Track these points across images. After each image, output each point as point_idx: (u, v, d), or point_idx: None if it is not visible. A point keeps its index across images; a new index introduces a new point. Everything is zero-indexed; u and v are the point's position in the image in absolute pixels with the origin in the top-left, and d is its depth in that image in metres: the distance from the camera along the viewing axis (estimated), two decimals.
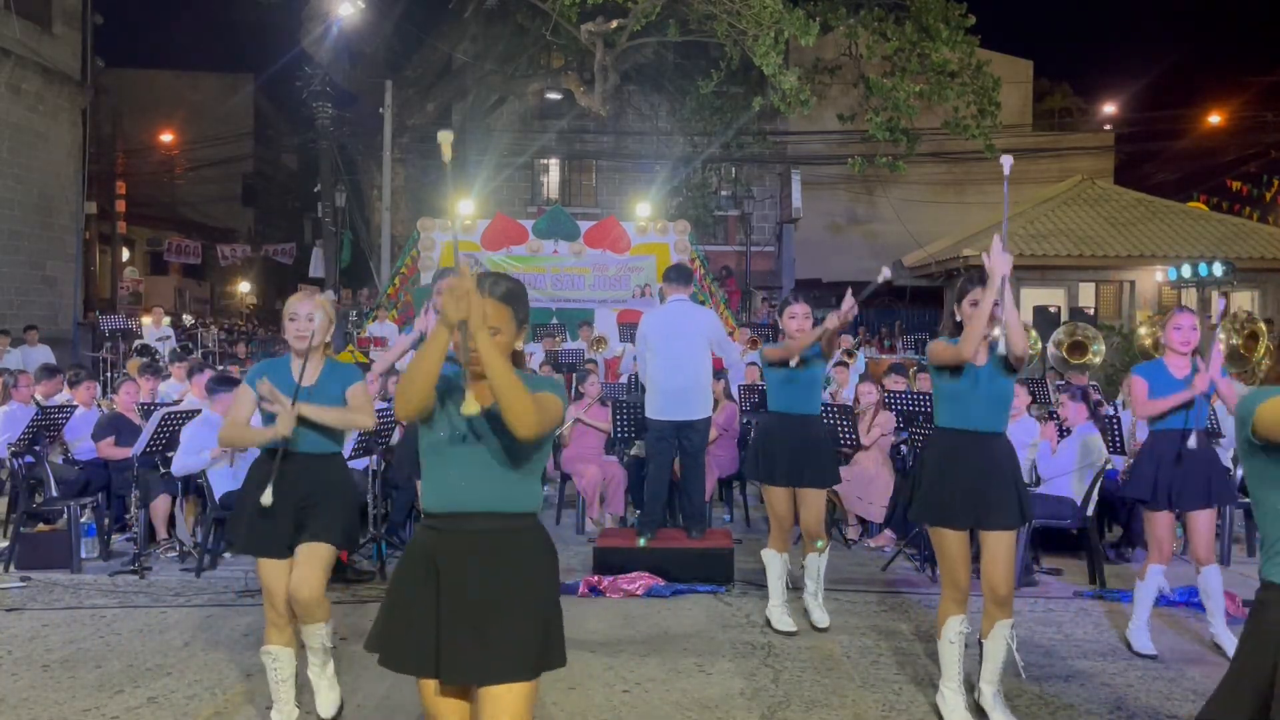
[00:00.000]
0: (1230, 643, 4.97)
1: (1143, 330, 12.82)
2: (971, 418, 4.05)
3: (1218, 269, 14.59)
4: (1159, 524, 5.03)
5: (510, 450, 2.56)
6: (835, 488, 7.50)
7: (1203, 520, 4.97)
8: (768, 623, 5.43)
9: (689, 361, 6.31)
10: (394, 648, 2.56)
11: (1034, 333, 12.73)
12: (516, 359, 2.66)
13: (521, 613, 2.51)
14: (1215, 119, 25.06)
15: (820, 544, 5.46)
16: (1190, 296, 17.58)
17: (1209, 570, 4.97)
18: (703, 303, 15.59)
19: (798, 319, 5.31)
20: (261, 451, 3.88)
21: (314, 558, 3.78)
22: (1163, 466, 4.93)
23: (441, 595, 2.51)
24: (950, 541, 4.07)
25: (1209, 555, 4.98)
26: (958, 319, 4.12)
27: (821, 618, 5.43)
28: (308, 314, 3.77)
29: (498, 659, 2.48)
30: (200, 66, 35.46)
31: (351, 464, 6.97)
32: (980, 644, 4.15)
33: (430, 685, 2.58)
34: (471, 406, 2.45)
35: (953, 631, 4.11)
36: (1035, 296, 18.85)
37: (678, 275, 6.53)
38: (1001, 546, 4.04)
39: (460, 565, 2.51)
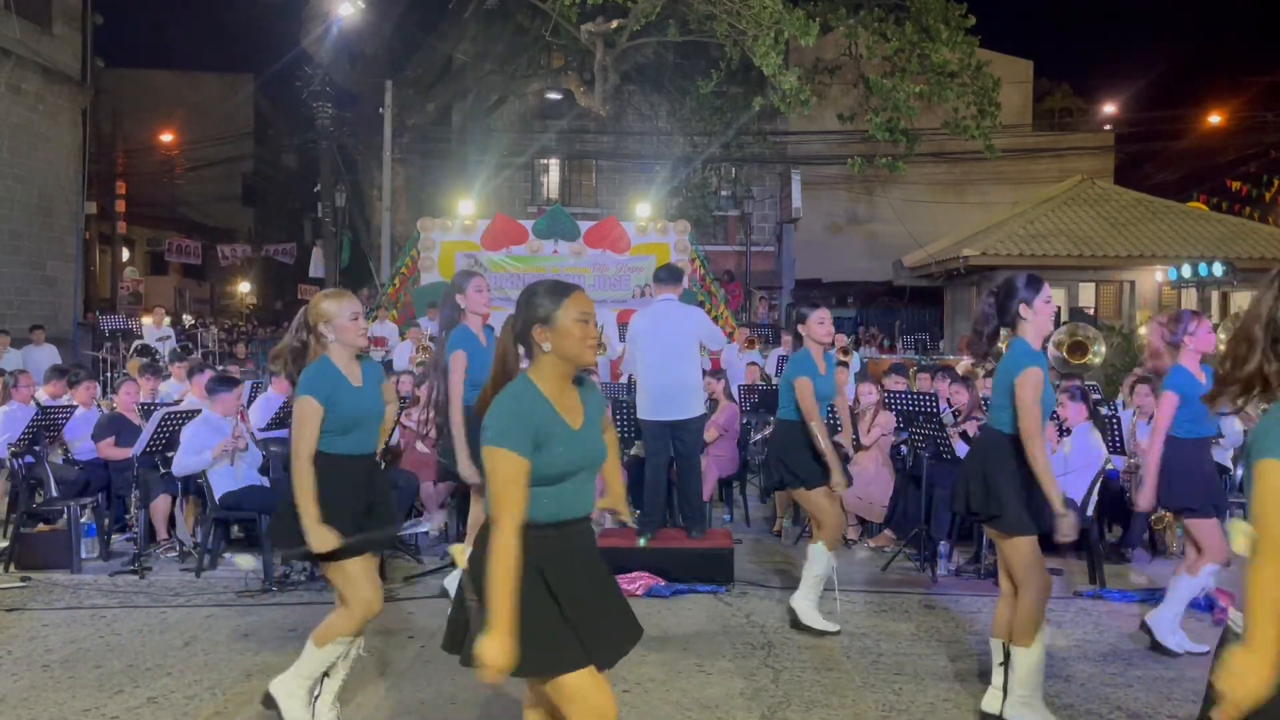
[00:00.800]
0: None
1: (1143, 330, 12.81)
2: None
3: (1218, 269, 14.60)
4: (1211, 528, 4.90)
5: (602, 456, 2.77)
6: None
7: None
8: (802, 625, 5.34)
9: (676, 361, 6.31)
10: (543, 656, 2.56)
11: None
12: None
13: (617, 591, 2.84)
14: (1215, 119, 25.05)
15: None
16: (1190, 297, 17.58)
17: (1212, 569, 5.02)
18: (702, 303, 15.59)
19: (826, 324, 5.34)
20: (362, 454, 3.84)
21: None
22: (1204, 474, 4.91)
23: (563, 595, 2.59)
24: (1036, 548, 4.00)
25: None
26: (1026, 318, 3.99)
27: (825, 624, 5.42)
28: (362, 311, 3.88)
29: (629, 632, 2.75)
30: (200, 66, 35.48)
31: None
32: (1010, 651, 4.06)
33: (583, 675, 2.57)
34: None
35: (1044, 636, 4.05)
36: None
37: (668, 275, 6.54)
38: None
39: (568, 565, 2.63)
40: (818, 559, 5.36)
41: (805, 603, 5.37)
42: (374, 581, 3.83)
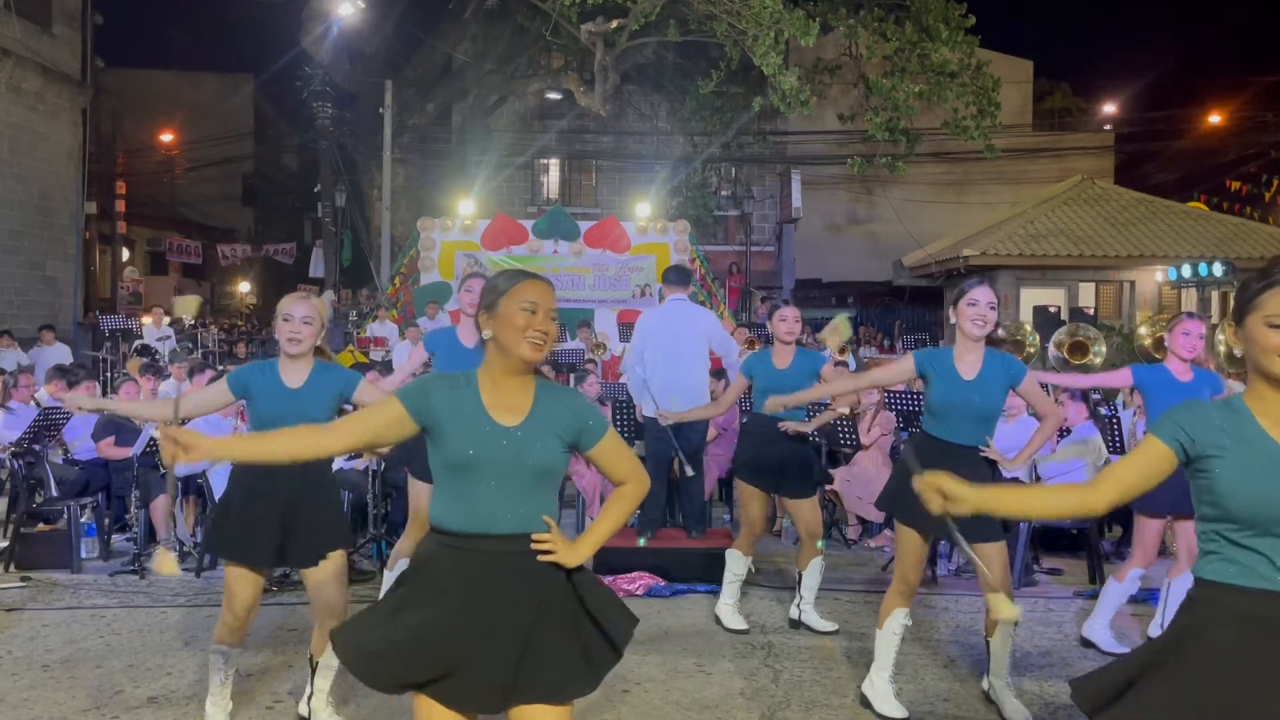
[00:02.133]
0: None
1: (1142, 330, 12.81)
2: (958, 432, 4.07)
3: (1218, 269, 14.59)
4: (1152, 530, 4.98)
5: (546, 467, 2.42)
6: (835, 488, 7.52)
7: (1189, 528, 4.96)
8: (717, 620, 5.49)
9: (688, 361, 6.34)
10: (400, 665, 2.32)
11: (1035, 334, 12.73)
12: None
13: (561, 634, 2.36)
14: (1215, 119, 25.06)
15: (820, 544, 5.47)
16: (1190, 296, 17.57)
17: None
18: (702, 303, 15.58)
19: (788, 322, 5.26)
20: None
21: (329, 570, 3.79)
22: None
23: (467, 619, 2.31)
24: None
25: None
26: (952, 321, 4.11)
27: (824, 624, 5.43)
28: (304, 316, 3.69)
29: (539, 681, 2.33)
30: (200, 66, 35.42)
31: (350, 464, 6.97)
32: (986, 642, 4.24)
33: (433, 706, 2.34)
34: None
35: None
36: (1035, 296, 18.85)
37: (677, 276, 6.56)
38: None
39: (490, 588, 2.33)
40: (731, 562, 5.51)
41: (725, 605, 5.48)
42: (245, 587, 3.77)
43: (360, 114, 21.84)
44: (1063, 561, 6.93)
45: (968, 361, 4.01)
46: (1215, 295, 16.44)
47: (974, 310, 3.98)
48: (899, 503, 4.06)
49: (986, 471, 4.11)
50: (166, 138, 31.03)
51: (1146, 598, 6.03)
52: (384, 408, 2.41)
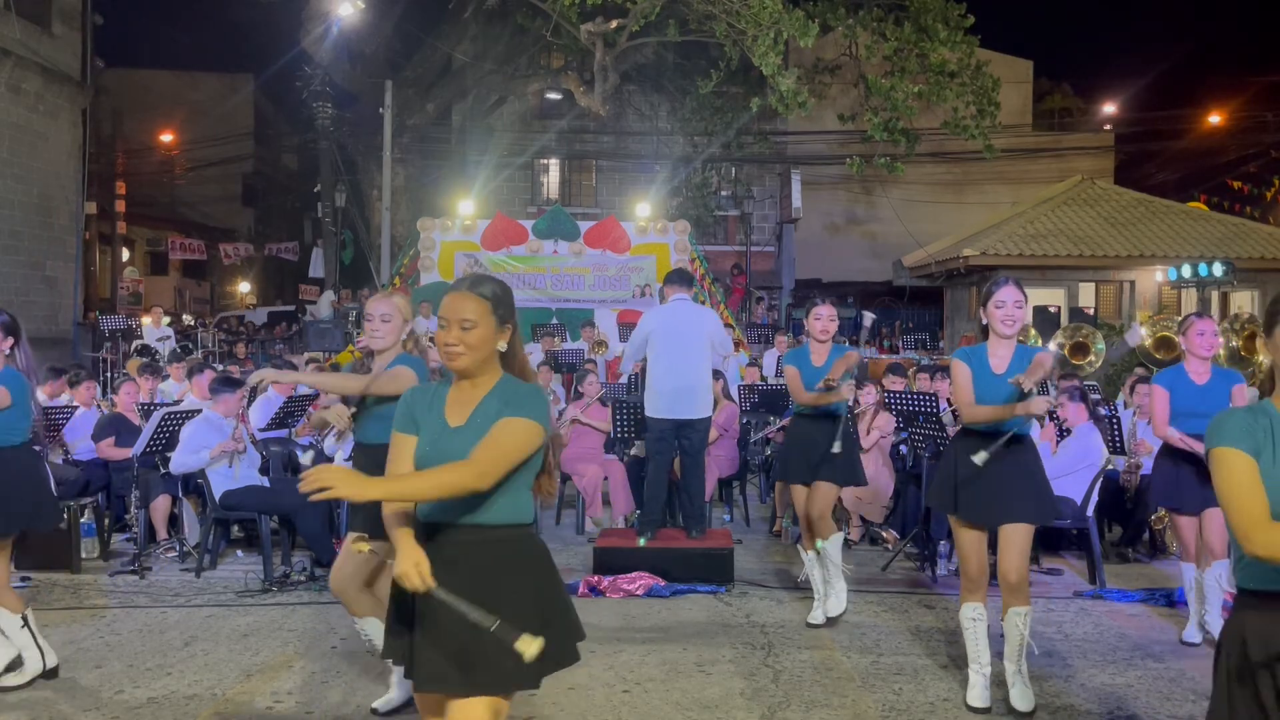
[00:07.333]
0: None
1: (1143, 331, 12.80)
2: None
3: (1218, 269, 14.58)
4: (1184, 527, 5.09)
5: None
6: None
7: (1218, 518, 4.99)
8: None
9: (691, 361, 6.34)
10: (397, 649, 2.64)
11: (1036, 334, 12.74)
12: (508, 361, 2.61)
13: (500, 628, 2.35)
14: (1215, 119, 25.05)
15: (819, 544, 5.48)
16: (1190, 297, 17.57)
17: (1221, 564, 5.04)
18: (702, 303, 15.59)
19: (822, 320, 5.40)
20: None
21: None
22: (1183, 471, 4.98)
23: (419, 603, 2.49)
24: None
25: (1223, 550, 5.00)
26: (984, 322, 4.25)
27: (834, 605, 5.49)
28: (382, 314, 4.01)
29: (469, 671, 2.43)
30: (200, 66, 35.42)
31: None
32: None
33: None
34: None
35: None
36: (1035, 296, 18.82)
37: (679, 277, 6.63)
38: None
39: (442, 575, 2.42)
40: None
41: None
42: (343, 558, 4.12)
43: (360, 114, 21.82)
44: (1062, 562, 6.93)
45: (999, 356, 4.21)
46: (1215, 295, 16.42)
47: (1001, 311, 4.18)
48: (944, 498, 4.30)
49: (1032, 451, 4.26)
50: (166, 138, 31.02)
51: (1147, 598, 6.04)
52: (400, 443, 2.59)
